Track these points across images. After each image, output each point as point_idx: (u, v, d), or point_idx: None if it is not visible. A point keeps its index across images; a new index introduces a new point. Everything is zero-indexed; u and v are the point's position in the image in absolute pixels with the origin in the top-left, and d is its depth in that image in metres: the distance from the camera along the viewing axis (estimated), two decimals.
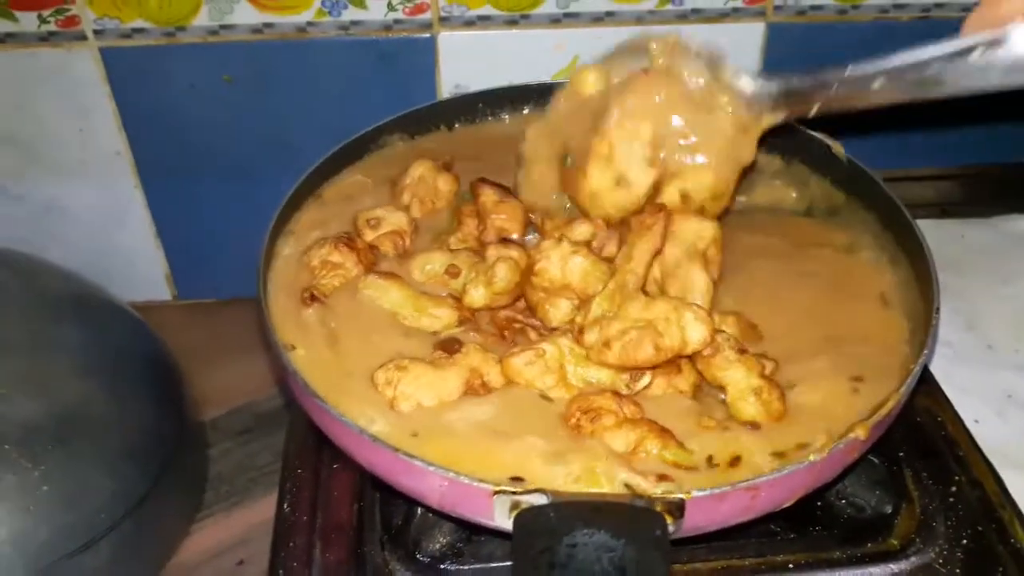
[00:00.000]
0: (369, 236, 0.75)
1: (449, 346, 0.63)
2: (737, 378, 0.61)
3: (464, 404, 0.61)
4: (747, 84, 0.68)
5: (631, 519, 0.46)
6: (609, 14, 0.96)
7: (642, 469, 0.55)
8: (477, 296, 0.67)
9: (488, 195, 0.76)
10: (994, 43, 0.56)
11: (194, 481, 0.94)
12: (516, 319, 0.69)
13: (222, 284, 1.13)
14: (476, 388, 0.62)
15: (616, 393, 0.61)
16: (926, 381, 0.77)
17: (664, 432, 0.58)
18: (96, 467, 0.79)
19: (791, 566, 0.64)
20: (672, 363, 0.62)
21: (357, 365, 0.63)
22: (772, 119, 0.69)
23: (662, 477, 0.53)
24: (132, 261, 1.10)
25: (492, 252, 0.70)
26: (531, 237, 0.76)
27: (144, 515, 0.82)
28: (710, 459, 0.57)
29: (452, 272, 0.71)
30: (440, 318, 0.68)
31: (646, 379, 0.62)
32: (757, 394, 0.60)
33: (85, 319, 0.88)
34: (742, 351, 0.62)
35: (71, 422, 0.79)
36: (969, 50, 0.57)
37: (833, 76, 0.64)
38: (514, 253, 0.69)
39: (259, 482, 0.95)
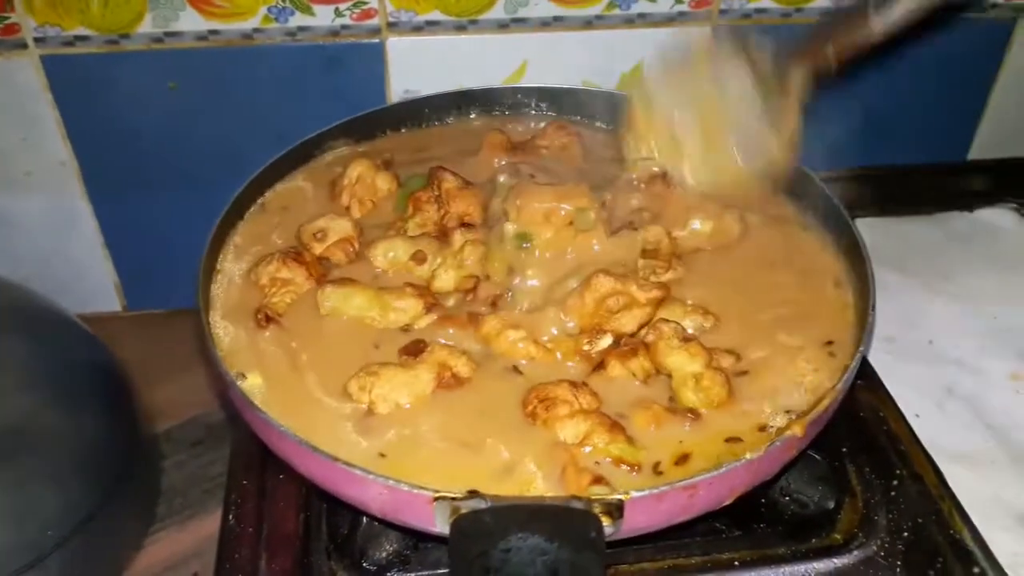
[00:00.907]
0: (318, 249, 0.75)
1: (414, 349, 0.64)
2: (680, 363, 0.63)
3: (435, 408, 0.62)
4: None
5: (566, 522, 0.46)
6: (557, 19, 0.97)
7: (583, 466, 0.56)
8: (447, 280, 0.70)
9: (449, 181, 0.76)
10: None
11: (147, 494, 0.93)
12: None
13: (172, 294, 1.11)
14: (448, 381, 0.63)
15: (573, 383, 0.62)
16: (868, 376, 0.78)
17: (615, 426, 0.59)
18: (43, 482, 0.78)
19: (737, 563, 0.65)
20: (631, 349, 0.64)
21: (327, 383, 0.64)
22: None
23: (597, 480, 0.54)
24: (80, 272, 1.09)
25: (458, 237, 0.71)
26: None
27: (95, 530, 0.80)
28: (656, 466, 0.58)
29: (419, 258, 0.72)
30: (406, 310, 0.68)
31: (607, 339, 0.65)
32: (697, 380, 0.62)
33: (31, 331, 0.87)
34: (687, 339, 0.64)
35: (17, 437, 0.78)
36: None
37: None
38: (479, 236, 0.70)
39: (213, 493, 0.94)
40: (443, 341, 0.66)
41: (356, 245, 0.76)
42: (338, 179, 0.81)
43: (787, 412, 0.62)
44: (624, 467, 0.57)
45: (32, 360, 0.84)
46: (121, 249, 1.08)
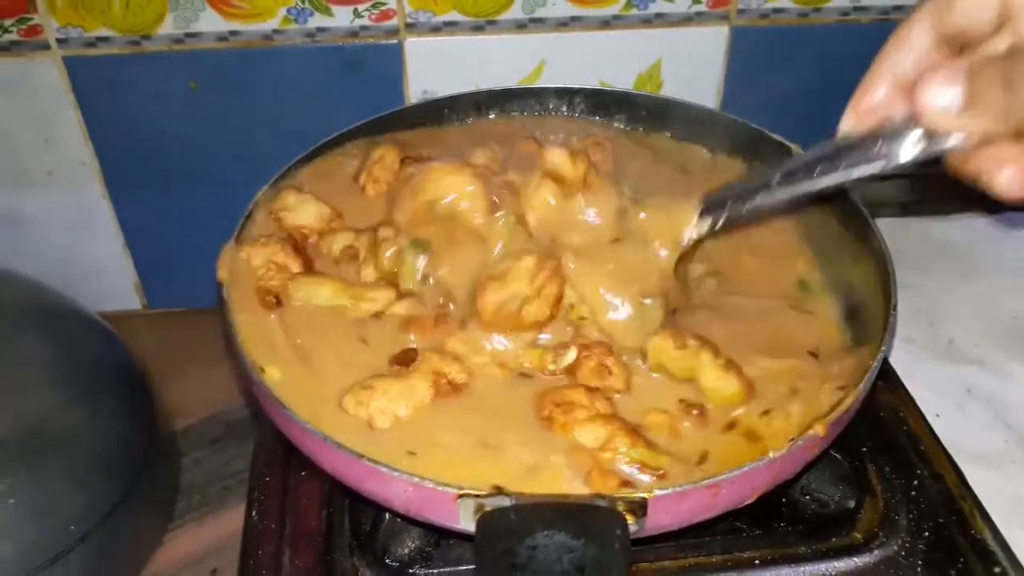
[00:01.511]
0: (290, 222, 0.75)
1: (404, 358, 0.64)
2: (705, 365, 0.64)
3: (441, 413, 0.61)
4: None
5: (591, 519, 0.46)
6: (575, 19, 0.97)
7: (610, 469, 0.56)
8: (367, 274, 0.70)
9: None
10: (874, 134, 0.55)
11: (166, 491, 0.94)
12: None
13: (192, 292, 1.12)
14: (445, 389, 0.62)
15: (588, 388, 0.62)
16: (888, 376, 0.78)
17: (633, 431, 0.59)
18: (65, 480, 0.79)
19: (757, 562, 0.65)
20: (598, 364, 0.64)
21: (332, 385, 0.63)
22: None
23: (625, 483, 0.55)
24: (100, 271, 1.10)
25: (383, 232, 0.71)
26: None
27: (115, 527, 0.81)
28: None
29: (349, 253, 0.73)
30: (377, 299, 0.68)
31: (571, 354, 0.64)
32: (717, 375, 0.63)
33: (52, 330, 0.88)
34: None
35: (38, 435, 0.79)
36: (851, 145, 0.57)
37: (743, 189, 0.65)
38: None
39: (232, 490, 0.95)
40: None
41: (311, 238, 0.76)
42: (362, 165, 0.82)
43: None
44: (647, 472, 0.57)
45: (53, 358, 0.85)
46: (141, 248, 1.09)
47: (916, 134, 0.53)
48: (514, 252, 0.66)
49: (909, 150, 0.54)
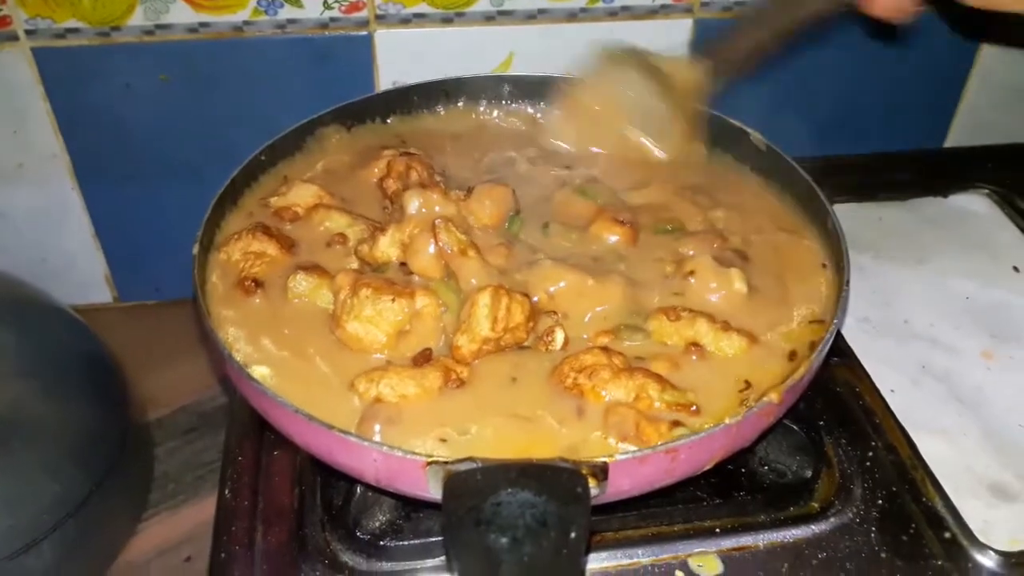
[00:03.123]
0: (280, 203, 0.78)
1: (422, 359, 0.65)
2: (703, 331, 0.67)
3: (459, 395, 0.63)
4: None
5: (554, 479, 0.48)
6: (542, 11, 0.99)
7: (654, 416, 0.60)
8: (350, 261, 0.73)
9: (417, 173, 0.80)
10: None
11: (139, 480, 0.94)
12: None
13: (163, 285, 1.13)
14: (452, 381, 0.64)
15: (603, 348, 0.65)
16: (845, 354, 0.81)
17: (657, 376, 0.62)
18: (37, 469, 0.79)
19: (718, 530, 0.67)
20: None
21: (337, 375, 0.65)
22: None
23: (675, 423, 0.59)
24: (71, 264, 1.10)
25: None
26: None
27: (88, 515, 0.82)
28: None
29: (337, 240, 0.75)
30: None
31: (559, 335, 0.67)
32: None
33: (23, 322, 0.88)
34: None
35: (11, 424, 0.79)
36: None
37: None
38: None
39: (206, 480, 0.96)
40: None
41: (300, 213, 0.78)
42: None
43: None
44: (681, 411, 0.61)
45: (24, 349, 0.85)
46: (112, 241, 1.09)
47: None
48: (461, 303, 0.67)
49: None
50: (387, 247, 0.70)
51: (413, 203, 0.71)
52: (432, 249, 0.68)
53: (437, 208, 0.72)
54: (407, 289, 0.66)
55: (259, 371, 0.64)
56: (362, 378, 0.62)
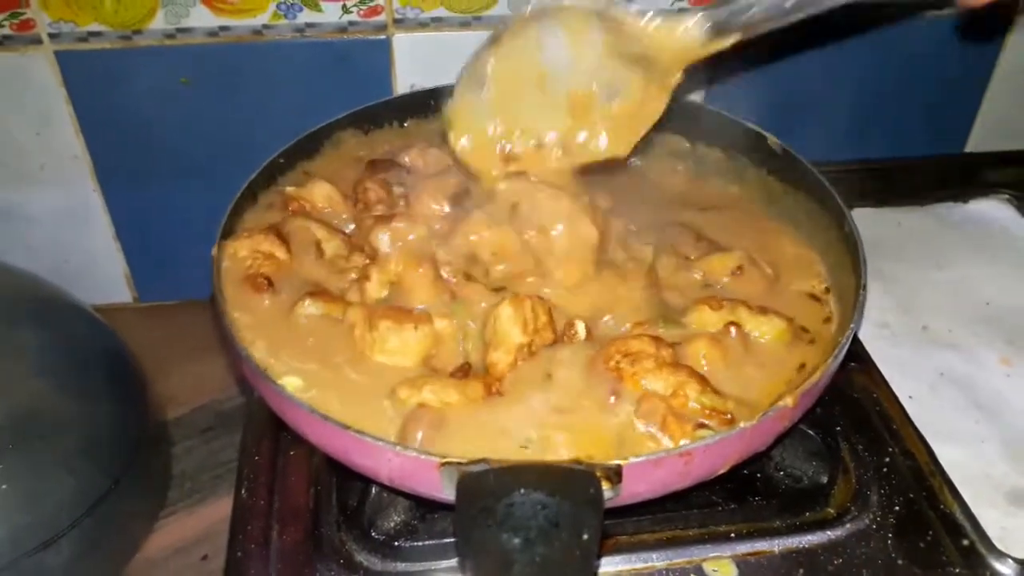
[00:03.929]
0: (297, 195, 0.79)
1: (461, 372, 0.66)
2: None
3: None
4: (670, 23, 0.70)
5: (567, 481, 0.48)
6: None
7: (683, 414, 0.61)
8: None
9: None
10: None
11: (157, 479, 0.95)
12: None
13: (182, 286, 1.14)
14: (494, 393, 0.64)
15: (653, 337, 0.66)
16: (863, 360, 0.80)
17: (702, 378, 0.63)
18: (56, 466, 0.80)
19: (732, 535, 0.66)
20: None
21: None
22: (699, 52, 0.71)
23: (700, 425, 0.60)
24: (92, 264, 1.11)
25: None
26: None
27: (107, 513, 0.82)
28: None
29: (318, 250, 0.76)
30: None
31: (581, 328, 0.67)
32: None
33: (44, 321, 0.89)
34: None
35: (32, 421, 0.80)
36: None
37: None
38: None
39: (223, 478, 0.96)
40: None
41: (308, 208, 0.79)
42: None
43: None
44: (716, 417, 0.61)
45: (45, 348, 0.86)
46: (132, 242, 1.11)
47: None
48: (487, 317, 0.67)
49: None
50: (377, 290, 0.71)
51: (383, 240, 0.72)
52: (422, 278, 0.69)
53: (409, 237, 0.72)
54: (423, 315, 0.67)
55: (291, 382, 0.64)
56: (404, 385, 0.63)
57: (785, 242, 0.80)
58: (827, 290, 0.76)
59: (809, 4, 0.65)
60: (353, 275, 0.73)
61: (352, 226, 0.80)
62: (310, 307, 0.69)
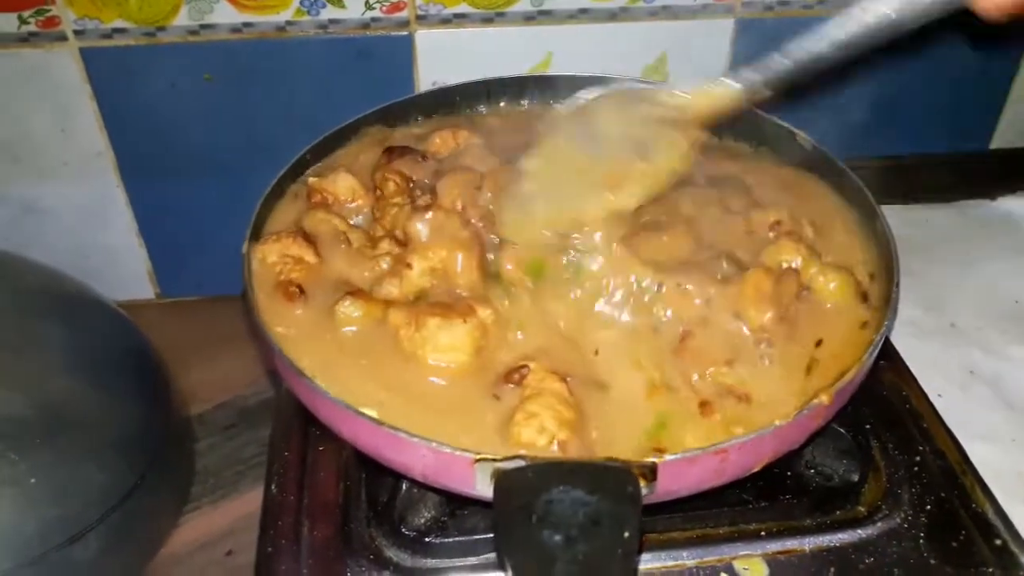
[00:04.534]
0: (320, 185, 0.79)
1: (512, 375, 0.64)
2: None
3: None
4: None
5: (605, 478, 0.48)
6: (583, 11, 0.99)
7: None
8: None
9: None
10: None
11: (181, 474, 0.95)
12: None
13: (205, 282, 1.14)
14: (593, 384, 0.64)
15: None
16: (891, 357, 0.80)
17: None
18: (84, 461, 0.80)
19: (763, 534, 0.66)
20: None
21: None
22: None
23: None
24: (115, 260, 1.12)
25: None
26: None
27: (132, 508, 0.83)
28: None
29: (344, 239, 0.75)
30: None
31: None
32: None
33: (70, 317, 0.90)
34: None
35: (58, 417, 0.81)
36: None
37: (777, 63, 0.70)
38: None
39: (246, 475, 0.97)
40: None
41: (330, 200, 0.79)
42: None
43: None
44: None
45: (70, 344, 0.86)
46: (155, 238, 1.11)
47: None
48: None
49: None
50: (419, 277, 0.69)
51: (421, 230, 0.70)
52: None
53: (449, 222, 0.71)
54: (466, 307, 0.66)
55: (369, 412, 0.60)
56: (520, 418, 0.59)
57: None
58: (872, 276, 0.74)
59: (829, 56, 0.68)
60: (385, 264, 0.72)
61: (370, 216, 0.80)
62: (350, 307, 0.67)
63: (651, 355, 0.66)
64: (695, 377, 0.64)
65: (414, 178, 0.80)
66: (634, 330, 0.67)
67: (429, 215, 0.70)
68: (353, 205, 0.80)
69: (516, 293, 0.68)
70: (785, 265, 0.70)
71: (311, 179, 0.80)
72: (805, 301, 0.68)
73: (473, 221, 0.72)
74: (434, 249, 0.69)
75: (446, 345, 0.64)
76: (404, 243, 0.72)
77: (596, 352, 0.66)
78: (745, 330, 0.65)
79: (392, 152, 0.82)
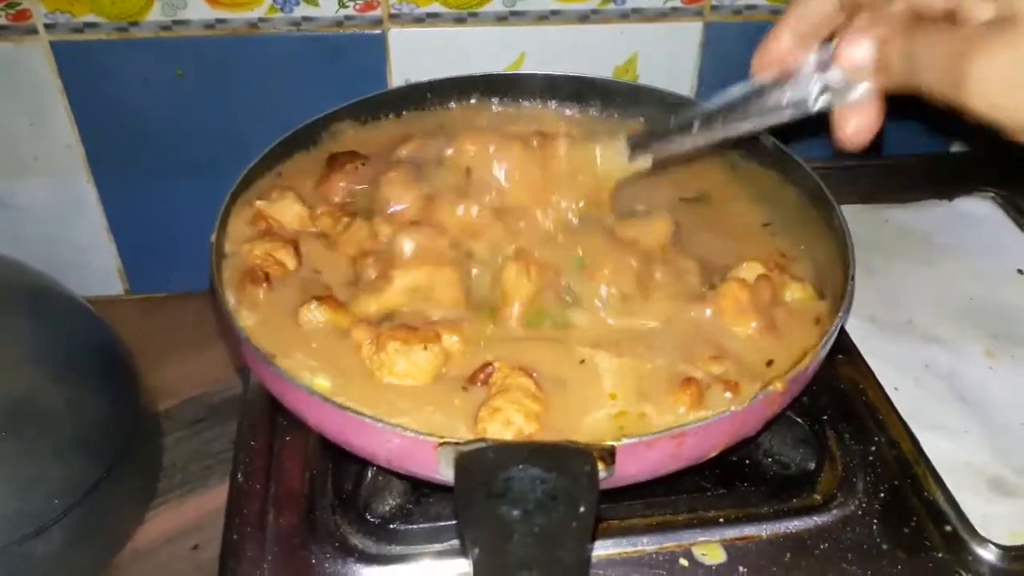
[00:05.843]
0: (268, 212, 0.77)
1: (477, 376, 0.64)
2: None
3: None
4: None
5: (563, 457, 0.49)
6: (554, 12, 1.01)
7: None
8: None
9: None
10: (781, 82, 0.64)
11: (148, 469, 0.95)
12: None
13: (174, 278, 1.14)
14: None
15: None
16: (849, 351, 0.82)
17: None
18: (47, 455, 0.80)
19: (721, 520, 0.67)
20: None
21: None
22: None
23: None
24: (84, 256, 1.11)
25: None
26: None
27: (98, 502, 0.83)
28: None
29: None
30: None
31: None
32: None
33: (36, 310, 0.89)
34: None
35: (22, 410, 0.80)
36: (761, 91, 0.65)
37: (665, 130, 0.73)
38: None
39: (213, 470, 0.97)
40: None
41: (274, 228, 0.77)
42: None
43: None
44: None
45: (37, 337, 0.86)
46: (125, 234, 1.11)
47: (819, 86, 0.61)
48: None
49: (816, 101, 0.62)
50: (398, 295, 0.69)
51: (407, 245, 0.70)
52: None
53: (432, 240, 0.71)
54: (431, 333, 0.65)
55: (320, 383, 0.62)
56: (483, 410, 0.60)
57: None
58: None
59: (719, 133, 0.69)
60: (372, 272, 0.71)
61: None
62: (316, 312, 0.66)
63: (634, 373, 0.65)
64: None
65: (356, 187, 0.80)
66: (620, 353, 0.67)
67: (415, 232, 0.70)
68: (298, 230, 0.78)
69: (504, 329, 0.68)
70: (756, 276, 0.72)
71: (258, 203, 0.78)
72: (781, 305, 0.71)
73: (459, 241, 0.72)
74: (418, 266, 0.69)
75: (402, 371, 0.63)
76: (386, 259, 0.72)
77: (582, 362, 0.65)
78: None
79: (335, 160, 0.82)
